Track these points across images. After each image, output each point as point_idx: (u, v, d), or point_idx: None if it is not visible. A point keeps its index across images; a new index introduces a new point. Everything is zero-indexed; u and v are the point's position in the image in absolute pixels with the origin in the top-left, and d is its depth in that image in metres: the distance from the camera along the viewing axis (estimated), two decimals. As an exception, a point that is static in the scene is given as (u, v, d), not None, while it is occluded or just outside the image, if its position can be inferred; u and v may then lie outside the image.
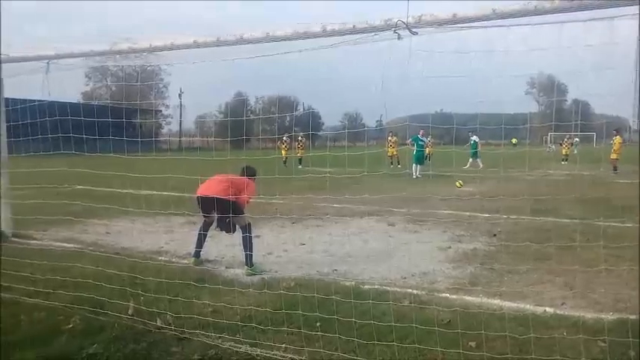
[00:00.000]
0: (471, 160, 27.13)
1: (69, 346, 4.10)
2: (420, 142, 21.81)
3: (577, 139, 33.01)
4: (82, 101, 62.70)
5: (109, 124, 5.97)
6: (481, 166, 26.08)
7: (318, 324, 4.28)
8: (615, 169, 22.16)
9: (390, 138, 27.76)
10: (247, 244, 6.40)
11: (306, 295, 4.69)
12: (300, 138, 29.55)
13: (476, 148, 26.99)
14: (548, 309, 4.91)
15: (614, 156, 22.47)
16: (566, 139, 33.63)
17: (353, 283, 5.81)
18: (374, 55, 4.48)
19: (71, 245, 7.74)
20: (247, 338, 4.13)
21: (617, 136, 22.82)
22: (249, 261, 6.39)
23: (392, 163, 26.92)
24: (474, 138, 27.26)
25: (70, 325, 4.47)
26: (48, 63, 6.47)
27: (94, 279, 5.26)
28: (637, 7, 3.93)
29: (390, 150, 27.14)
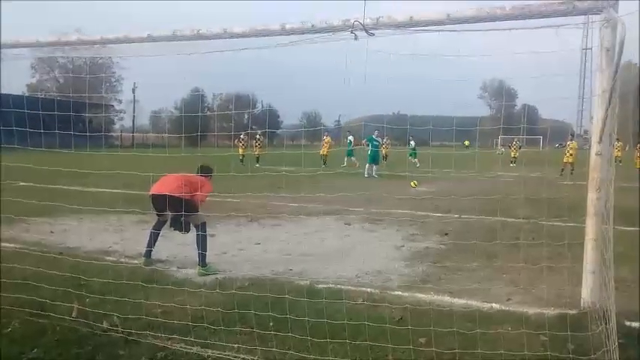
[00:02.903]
0: (346, 158, 28.22)
1: (8, 350, 3.91)
2: (375, 143, 22.16)
3: (517, 142, 34.69)
4: (27, 94, 60.06)
5: (55, 117, 5.73)
6: (357, 164, 26.93)
7: (271, 324, 4.25)
8: (562, 171, 23.24)
9: (324, 138, 28.20)
10: (201, 244, 6.29)
11: (259, 295, 4.67)
12: (258, 136, 29.40)
13: (351, 147, 28.16)
14: (494, 305, 5.09)
15: (570, 159, 23.57)
16: (514, 142, 34.96)
17: (307, 282, 5.82)
18: (334, 55, 4.50)
19: (12, 245, 7.38)
20: (199, 339, 4.06)
21: (573, 141, 24.19)
22: (202, 261, 6.29)
23: (324, 163, 27.35)
24: (350, 137, 28.61)
25: (9, 329, 4.27)
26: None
27: (35, 280, 5.03)
28: (582, 17, 4.14)
29: (323, 149, 27.70)
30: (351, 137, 28.50)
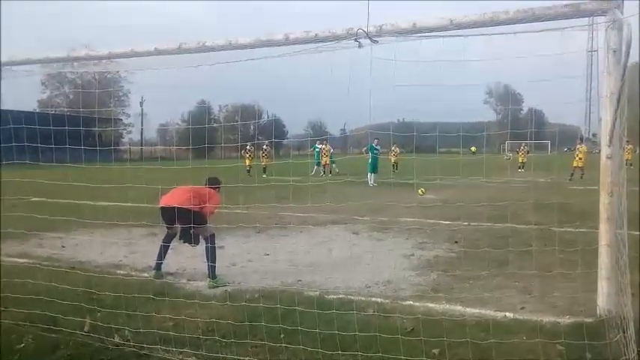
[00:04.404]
0: (316, 167, 28.54)
1: (22, 365, 3.91)
2: (375, 151, 22.19)
3: (525, 147, 34.59)
4: (38, 109, 60.83)
5: (66, 133, 5.77)
6: (322, 174, 27.56)
7: (282, 335, 4.23)
8: (572, 175, 23.07)
9: (322, 147, 28.38)
10: (210, 256, 6.29)
11: (269, 307, 4.64)
12: (264, 147, 29.51)
13: (319, 158, 28.64)
14: (508, 314, 5.01)
15: (579, 164, 23.42)
16: (522, 147, 34.71)
17: (317, 293, 5.79)
18: (339, 63, 4.50)
19: (24, 260, 7.41)
20: (210, 352, 4.05)
21: (583, 145, 24.06)
22: (212, 273, 6.27)
23: (324, 172, 27.50)
24: (320, 146, 28.97)
25: (23, 345, 4.28)
26: (0, 69, 6.20)
27: (48, 295, 5.04)
28: (587, 19, 4.11)
29: (323, 159, 27.96)
30: (320, 146, 28.94)
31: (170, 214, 6.32)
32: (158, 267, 6.62)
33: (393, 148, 30.03)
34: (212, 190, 6.58)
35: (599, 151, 4.48)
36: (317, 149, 28.92)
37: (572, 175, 23.19)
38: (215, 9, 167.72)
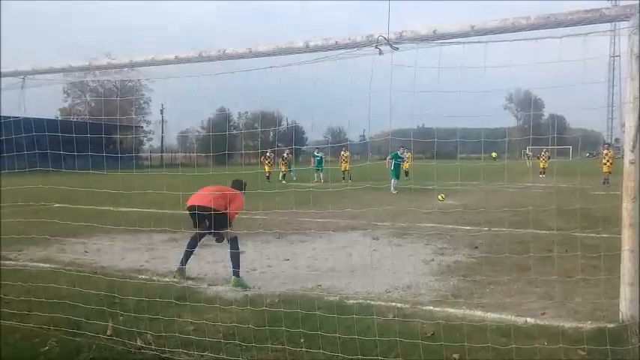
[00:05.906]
0: (315, 173, 28.66)
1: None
2: (399, 159, 22.19)
3: (546, 152, 34.13)
4: (59, 117, 62.07)
5: (88, 140, 5.90)
6: (322, 181, 27.60)
7: (302, 340, 4.25)
8: (605, 180, 22.85)
9: (342, 153, 28.37)
10: (233, 259, 6.38)
11: (289, 311, 4.67)
12: (284, 155, 29.68)
13: (322, 164, 28.76)
14: (529, 319, 4.96)
15: (606, 169, 23.32)
16: (543, 153, 34.21)
17: (337, 297, 5.80)
18: (358, 70, 4.53)
19: (47, 265, 7.58)
20: (231, 356, 4.08)
21: (610, 150, 23.88)
22: (235, 272, 6.37)
23: (344, 178, 27.46)
24: (320, 154, 29.11)
25: (47, 348, 4.35)
26: (24, 78, 6.36)
27: (71, 299, 5.15)
28: (609, 24, 4.07)
29: (342, 165, 27.90)
30: (321, 154, 29.19)
31: (198, 214, 6.42)
32: (182, 263, 6.70)
33: (406, 153, 29.85)
34: (236, 192, 6.66)
35: (622, 156, 4.42)
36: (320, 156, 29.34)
37: (604, 180, 22.98)
38: (215, 9, 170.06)
